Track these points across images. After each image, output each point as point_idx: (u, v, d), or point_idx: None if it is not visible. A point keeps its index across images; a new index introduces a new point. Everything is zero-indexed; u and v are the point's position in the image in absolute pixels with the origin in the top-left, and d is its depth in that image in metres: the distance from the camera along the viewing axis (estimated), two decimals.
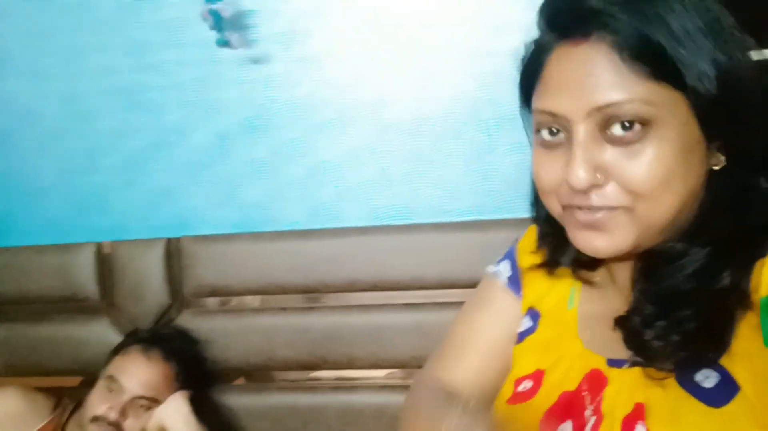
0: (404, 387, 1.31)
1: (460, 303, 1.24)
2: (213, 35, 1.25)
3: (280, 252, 1.28)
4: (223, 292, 1.33)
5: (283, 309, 1.32)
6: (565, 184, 0.52)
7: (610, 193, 0.50)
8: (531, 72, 0.56)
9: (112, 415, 1.12)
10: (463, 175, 1.25)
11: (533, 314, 0.68)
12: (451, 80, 1.23)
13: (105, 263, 1.36)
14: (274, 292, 1.31)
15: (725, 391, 0.48)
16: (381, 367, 1.27)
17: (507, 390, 0.63)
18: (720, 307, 0.50)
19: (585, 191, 0.51)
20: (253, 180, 1.32)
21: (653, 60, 0.48)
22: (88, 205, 1.38)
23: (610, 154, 0.50)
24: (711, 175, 0.52)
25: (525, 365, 0.64)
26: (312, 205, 1.30)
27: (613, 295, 0.61)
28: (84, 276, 1.36)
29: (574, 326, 0.63)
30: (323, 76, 1.26)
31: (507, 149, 1.21)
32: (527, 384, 0.61)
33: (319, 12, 1.25)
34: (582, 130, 0.50)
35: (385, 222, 1.28)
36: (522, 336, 0.68)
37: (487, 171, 1.23)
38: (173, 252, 1.34)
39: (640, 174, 0.49)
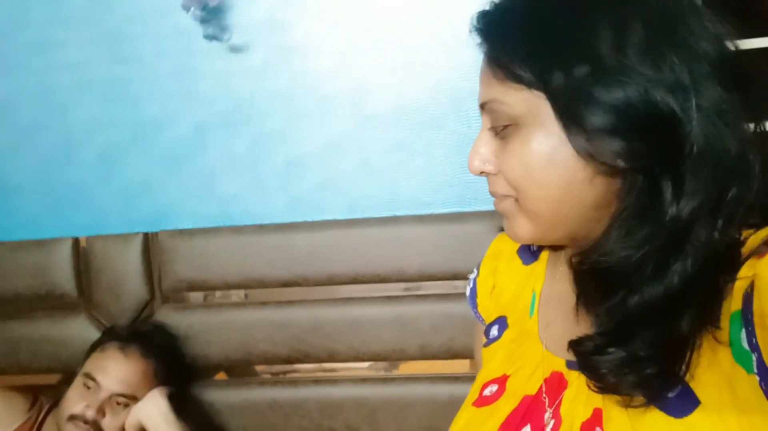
0: (384, 380, 1.31)
1: (440, 296, 1.26)
2: (190, 25, 1.23)
3: (260, 245, 1.27)
4: (203, 287, 1.32)
5: (264, 303, 1.30)
6: None
7: (501, 183, 0.55)
8: None
9: (89, 413, 1.10)
10: (444, 167, 1.24)
11: (501, 322, 0.69)
12: (432, 70, 1.22)
13: (82, 259, 1.34)
14: (254, 286, 1.30)
15: (686, 403, 0.47)
16: (362, 360, 1.26)
17: (474, 393, 0.64)
18: (681, 349, 0.47)
19: (482, 175, 0.57)
20: (232, 172, 1.30)
21: (507, 66, 0.51)
22: (65, 200, 1.35)
23: (498, 147, 0.55)
24: (627, 182, 0.49)
25: (492, 369, 0.64)
26: (292, 196, 1.29)
27: (572, 297, 0.58)
28: (61, 272, 1.34)
29: (535, 331, 0.63)
30: (303, 66, 1.25)
31: None
32: (492, 388, 0.62)
33: (299, 1, 1.24)
34: (485, 120, 0.56)
35: (366, 214, 1.26)
36: (489, 342, 0.69)
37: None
38: (151, 246, 1.32)
39: (511, 167, 0.53)
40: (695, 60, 0.47)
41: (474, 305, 0.76)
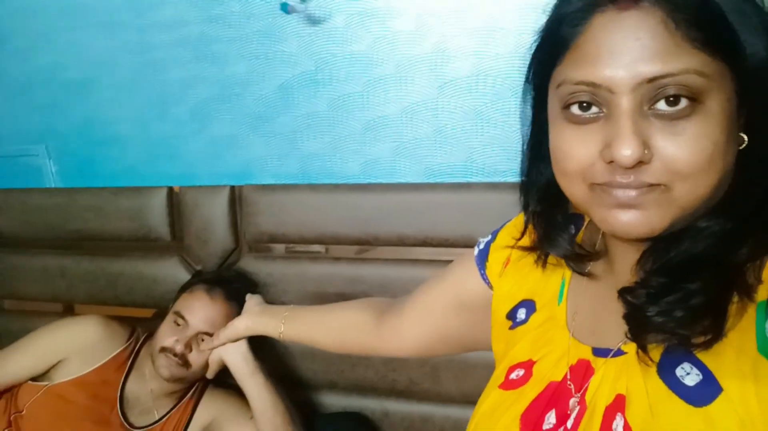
0: None
1: None
2: None
3: (336, 204, 1.33)
4: (281, 239, 1.40)
5: (337, 258, 1.37)
6: (598, 162, 0.49)
7: (654, 171, 0.47)
8: (561, 39, 0.51)
9: (179, 347, 1.22)
10: (520, 136, 1.23)
11: (529, 306, 0.67)
12: (513, 35, 1.20)
13: (175, 206, 1.45)
14: (328, 242, 1.36)
15: (707, 391, 0.47)
16: None
17: (500, 376, 0.64)
18: (730, 286, 0.48)
19: (631, 167, 0.47)
20: (312, 132, 1.36)
21: (711, 27, 0.45)
22: (160, 152, 1.46)
23: (655, 130, 0.47)
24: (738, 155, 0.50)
25: (518, 353, 0.64)
26: (368, 159, 1.33)
27: (605, 287, 0.60)
28: (156, 217, 1.46)
29: (563, 318, 0.62)
30: (383, 30, 1.26)
31: None
32: (519, 372, 0.62)
33: None
34: (627, 103, 0.47)
35: (439, 179, 1.29)
36: (516, 325, 0.68)
37: None
38: (237, 199, 1.41)
39: (686, 153, 0.46)
40: None
41: (482, 265, 0.75)
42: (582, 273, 0.62)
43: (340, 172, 1.35)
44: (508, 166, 1.25)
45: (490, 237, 0.77)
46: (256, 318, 1.12)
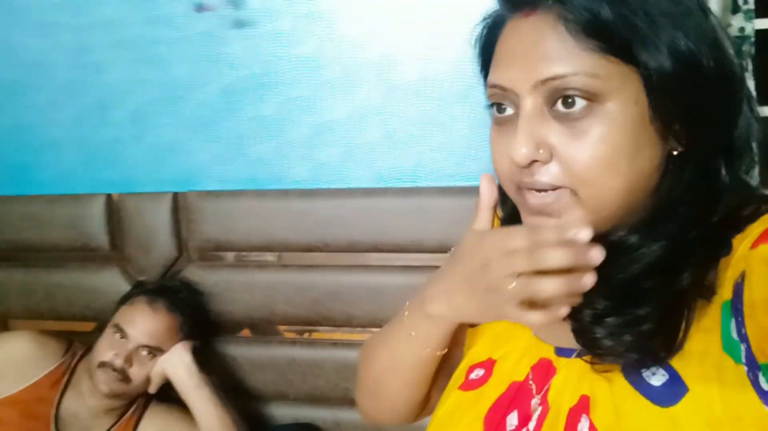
0: None
1: None
2: None
3: (284, 210, 1.30)
4: (228, 247, 1.36)
5: (285, 266, 1.34)
6: (512, 165, 0.50)
7: (554, 172, 0.48)
8: (486, 47, 0.55)
9: (118, 362, 1.17)
10: (468, 140, 1.24)
11: None
12: (460, 40, 1.20)
13: (115, 214, 1.39)
14: (277, 249, 1.34)
15: (673, 391, 0.47)
16: (378, 326, 1.29)
17: (459, 376, 0.62)
18: (678, 307, 0.48)
19: (528, 167, 0.48)
20: (259, 137, 1.32)
21: (602, 34, 0.46)
22: (99, 157, 1.40)
23: (555, 132, 0.48)
24: (669, 160, 0.50)
25: (477, 352, 0.63)
26: (316, 164, 1.31)
27: None
28: (95, 226, 1.39)
29: None
30: (330, 33, 1.25)
31: None
32: (479, 372, 0.60)
33: None
34: (528, 104, 0.48)
35: (388, 184, 1.28)
36: (475, 323, 0.67)
37: None
38: (180, 206, 1.36)
39: (582, 155, 0.47)
40: None
41: None
42: None
43: (288, 176, 1.32)
44: (456, 170, 1.24)
45: None
46: None
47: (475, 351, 0.63)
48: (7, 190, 1.47)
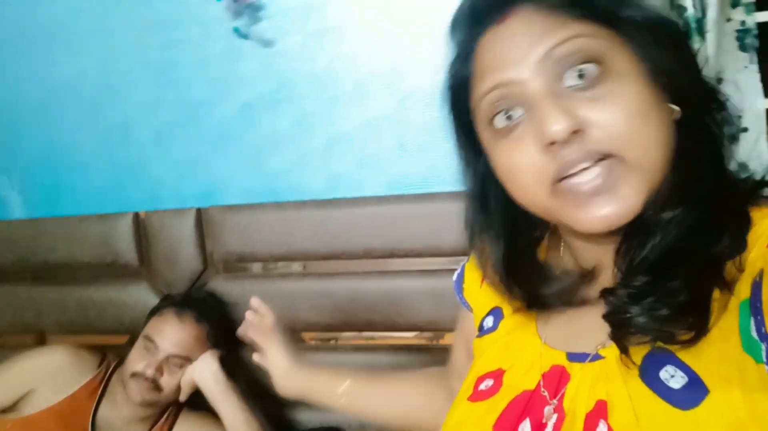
0: (420, 348, 1.36)
1: None
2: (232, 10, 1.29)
3: (302, 220, 1.34)
4: (250, 259, 1.40)
5: (306, 274, 1.38)
6: (542, 157, 0.48)
7: (594, 138, 0.46)
8: (461, 80, 0.55)
9: (149, 372, 1.21)
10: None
11: (496, 313, 0.66)
12: None
13: (142, 231, 1.45)
14: (297, 258, 1.37)
15: (693, 394, 0.45)
16: (398, 330, 1.32)
17: (468, 387, 0.61)
18: (710, 281, 0.47)
19: (567, 141, 0.46)
20: (276, 150, 1.37)
21: (580, 2, 0.48)
22: (125, 177, 1.46)
23: (578, 104, 0.47)
24: (673, 129, 0.50)
25: (486, 362, 0.61)
26: (332, 174, 1.34)
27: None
28: (123, 243, 1.45)
29: (533, 325, 0.60)
30: (340, 48, 1.28)
31: None
32: (488, 383, 0.59)
33: None
34: (538, 85, 0.48)
35: (403, 191, 1.31)
36: (483, 333, 0.66)
37: None
38: (204, 220, 1.41)
39: (617, 115, 0.46)
40: None
41: (459, 290, 0.72)
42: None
43: (305, 187, 1.36)
44: None
45: (466, 258, 0.73)
46: (304, 378, 0.92)
47: (483, 361, 0.62)
48: (41, 212, 1.54)
